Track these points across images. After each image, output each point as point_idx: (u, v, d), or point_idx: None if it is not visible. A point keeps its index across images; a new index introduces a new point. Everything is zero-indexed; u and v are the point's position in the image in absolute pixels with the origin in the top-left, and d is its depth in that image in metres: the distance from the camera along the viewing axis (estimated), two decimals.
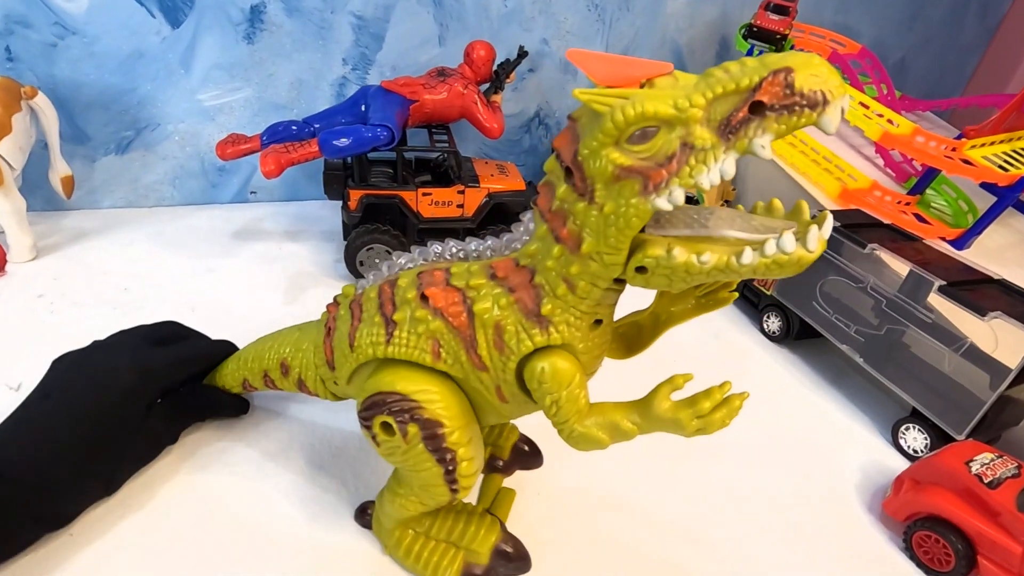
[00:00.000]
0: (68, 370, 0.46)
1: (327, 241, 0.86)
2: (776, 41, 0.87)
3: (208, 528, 0.45)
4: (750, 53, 0.89)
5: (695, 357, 0.68)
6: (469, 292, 0.36)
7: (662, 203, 0.28)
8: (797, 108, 0.25)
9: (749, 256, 0.28)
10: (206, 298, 0.72)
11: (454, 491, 0.39)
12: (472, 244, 0.39)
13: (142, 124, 0.83)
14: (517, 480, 0.51)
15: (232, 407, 0.54)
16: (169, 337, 0.52)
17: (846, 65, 0.93)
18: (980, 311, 0.52)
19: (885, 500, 0.52)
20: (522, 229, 0.36)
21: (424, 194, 0.77)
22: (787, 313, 0.73)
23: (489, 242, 0.38)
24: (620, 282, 0.33)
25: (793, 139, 0.90)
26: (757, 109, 0.25)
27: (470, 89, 0.78)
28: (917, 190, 0.82)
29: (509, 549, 0.43)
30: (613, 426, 0.34)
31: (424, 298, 0.36)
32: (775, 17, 0.87)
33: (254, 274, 0.77)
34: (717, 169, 0.27)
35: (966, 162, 0.74)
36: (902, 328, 0.59)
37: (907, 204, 0.82)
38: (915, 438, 0.58)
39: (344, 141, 0.68)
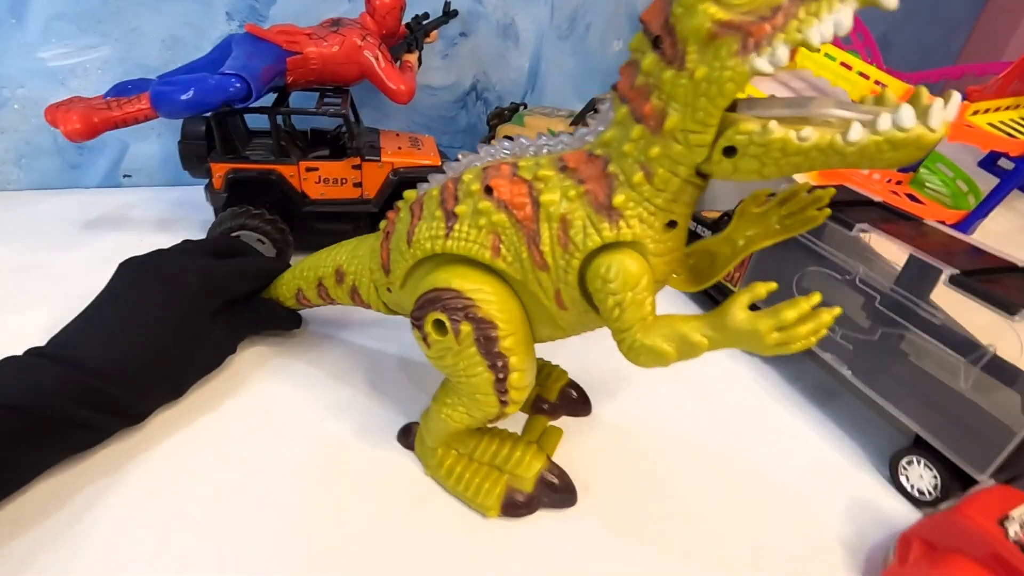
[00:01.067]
0: (137, 273, 0.47)
1: (203, 232, 0.71)
2: None
3: (265, 434, 0.46)
4: None
5: (643, 371, 0.54)
6: (536, 184, 0.33)
7: (762, 64, 0.25)
8: None
9: (858, 132, 0.25)
10: (22, 301, 0.56)
11: (503, 402, 0.37)
12: (543, 139, 0.36)
13: None
14: (563, 424, 0.49)
15: (286, 320, 0.55)
16: (228, 251, 0.53)
17: None
18: (1009, 308, 0.38)
19: (886, 569, 0.38)
20: (596, 120, 0.33)
21: (308, 169, 0.62)
22: None
23: (563, 137, 0.35)
24: (702, 177, 0.31)
25: None
26: None
27: (369, 42, 0.64)
28: (907, 168, 0.69)
29: (555, 479, 0.42)
30: (681, 337, 0.31)
31: (488, 190, 0.35)
32: None
33: (94, 273, 0.61)
34: (831, 21, 0.24)
35: (969, 128, 0.61)
36: (901, 332, 0.45)
37: (898, 183, 0.69)
38: (920, 476, 0.44)
39: (185, 95, 0.52)
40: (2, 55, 0.67)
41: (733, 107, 0.29)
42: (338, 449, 0.45)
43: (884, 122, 0.25)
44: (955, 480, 0.42)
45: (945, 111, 0.25)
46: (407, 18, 0.72)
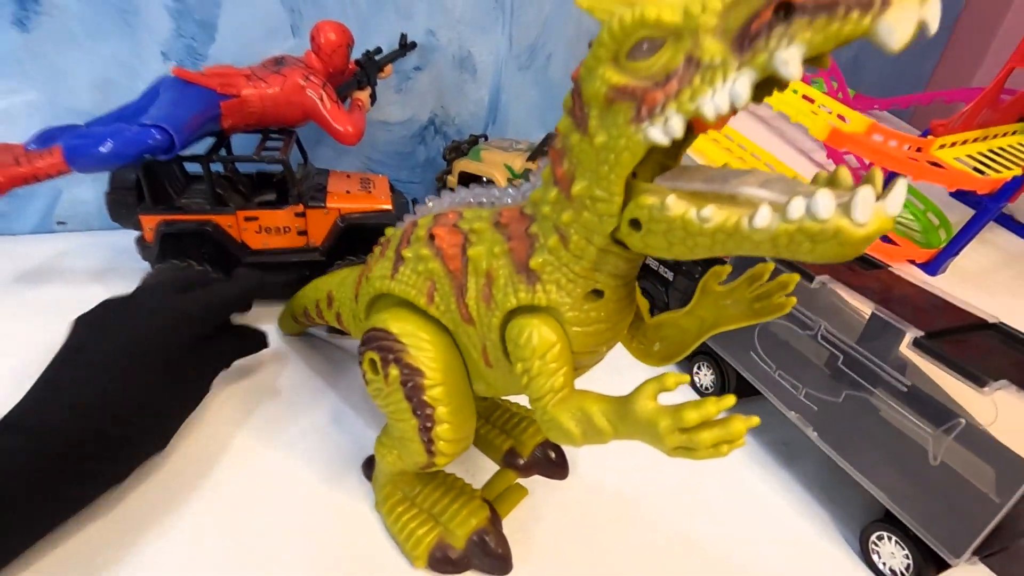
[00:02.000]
0: (98, 325, 0.44)
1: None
2: None
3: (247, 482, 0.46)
4: None
5: None
6: (470, 236, 0.33)
7: (656, 134, 0.23)
8: (840, 8, 0.19)
9: (766, 217, 0.22)
10: None
11: (430, 453, 0.36)
12: (495, 189, 0.35)
13: None
14: (536, 484, 0.47)
15: (254, 344, 0.53)
16: (191, 283, 0.49)
17: None
18: (978, 380, 0.35)
19: None
20: (535, 176, 0.32)
21: (247, 219, 0.58)
22: (721, 364, 0.56)
23: (510, 189, 0.34)
24: (623, 246, 0.28)
25: (725, 140, 0.74)
26: (784, 12, 0.20)
27: (312, 82, 0.60)
28: None
29: (490, 542, 0.39)
30: (587, 419, 0.29)
31: (432, 237, 0.35)
32: None
33: (26, 331, 0.57)
34: (726, 91, 0.22)
35: (935, 165, 0.59)
36: (867, 396, 0.42)
37: None
38: (892, 554, 0.41)
39: (102, 148, 0.49)
40: None
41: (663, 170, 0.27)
42: (302, 481, 0.46)
43: (796, 208, 0.21)
44: (928, 562, 0.39)
45: (886, 202, 0.20)
46: (357, 54, 0.69)
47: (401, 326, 0.35)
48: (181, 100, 0.53)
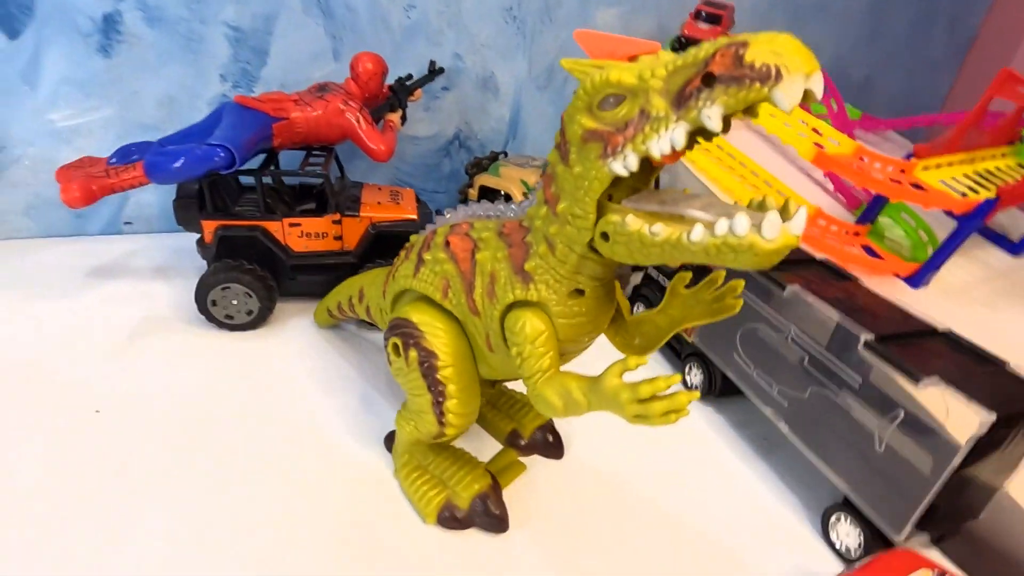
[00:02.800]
0: None
1: (196, 278, 0.75)
2: None
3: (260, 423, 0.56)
4: None
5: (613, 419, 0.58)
6: (479, 243, 0.40)
7: (617, 167, 0.30)
8: (747, 80, 0.25)
9: (699, 233, 0.28)
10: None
11: (442, 424, 0.43)
12: (502, 205, 0.42)
13: None
14: (535, 462, 0.54)
15: None
16: None
17: None
18: (913, 376, 0.40)
19: None
20: (532, 196, 0.38)
21: (292, 225, 0.67)
22: (709, 365, 0.61)
23: (513, 205, 0.41)
24: (599, 253, 0.33)
25: (728, 159, 0.80)
26: (709, 81, 0.26)
27: (350, 106, 0.68)
28: (866, 218, 0.72)
29: (490, 504, 0.46)
30: (567, 393, 0.35)
31: (447, 243, 0.41)
32: (705, 26, 0.78)
33: (86, 319, 0.66)
34: (667, 137, 0.28)
35: (917, 187, 0.64)
36: (828, 392, 0.48)
37: (855, 235, 0.71)
38: (847, 533, 0.46)
39: (177, 164, 0.57)
40: (16, 118, 0.73)
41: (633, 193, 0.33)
42: (329, 447, 0.53)
43: (721, 227, 0.27)
44: (876, 540, 0.44)
45: (790, 223, 0.27)
46: (391, 78, 0.77)
47: (420, 316, 0.42)
48: (240, 123, 0.61)
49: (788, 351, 0.51)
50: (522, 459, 0.53)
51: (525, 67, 0.92)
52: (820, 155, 0.63)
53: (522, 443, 0.54)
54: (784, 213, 0.29)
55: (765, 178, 0.77)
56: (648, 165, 0.32)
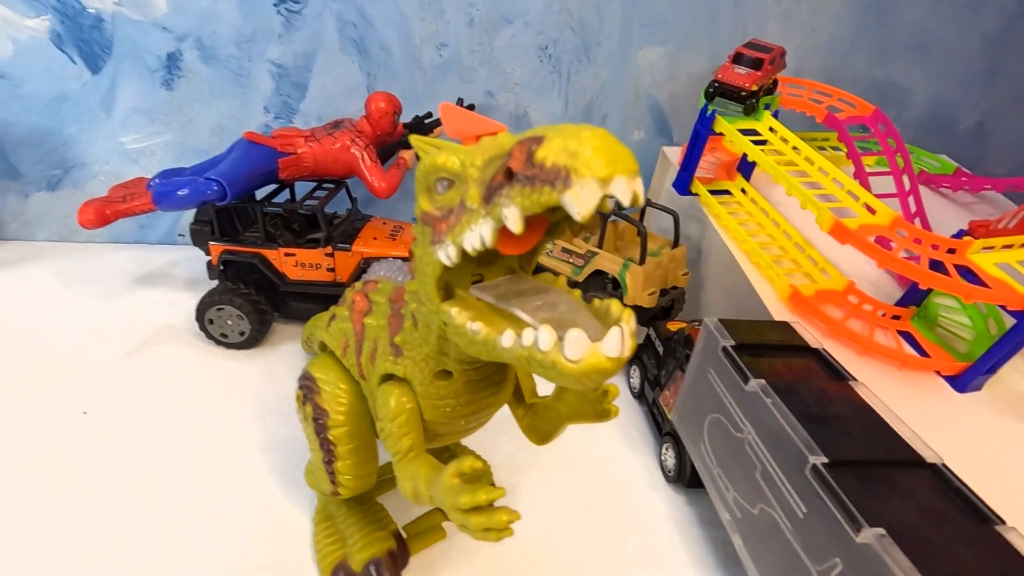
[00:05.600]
0: None
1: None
2: (742, 99, 0.71)
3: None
4: (704, 115, 0.73)
5: (573, 481, 0.57)
6: (373, 306, 0.39)
7: (442, 255, 0.28)
8: (537, 182, 0.22)
9: (509, 340, 0.26)
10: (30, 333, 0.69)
11: (333, 483, 0.42)
12: (408, 266, 0.43)
13: (69, 163, 0.85)
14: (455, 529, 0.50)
15: None
16: None
17: (842, 130, 0.73)
18: (853, 519, 0.33)
19: None
20: None
21: (287, 254, 0.70)
22: (682, 449, 0.55)
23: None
24: None
25: (759, 213, 0.72)
26: (510, 176, 0.24)
27: (357, 143, 0.71)
28: (910, 300, 0.61)
29: (383, 571, 0.43)
30: (415, 480, 0.33)
31: (353, 301, 0.41)
32: (743, 71, 0.71)
33: (108, 319, 0.74)
34: (477, 232, 0.25)
35: (965, 272, 0.53)
36: (775, 515, 0.40)
37: (895, 318, 0.61)
38: None
39: (181, 192, 0.63)
40: (94, 140, 0.84)
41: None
42: (264, 482, 0.54)
43: (527, 337, 0.24)
44: None
45: (602, 344, 0.23)
46: (409, 115, 0.79)
47: (322, 372, 0.42)
48: (243, 158, 0.66)
49: (744, 455, 0.44)
50: (445, 525, 0.51)
51: (561, 106, 0.90)
52: (838, 226, 0.54)
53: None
54: (608, 324, 0.25)
55: (797, 241, 0.68)
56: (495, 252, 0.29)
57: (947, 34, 0.94)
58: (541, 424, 0.39)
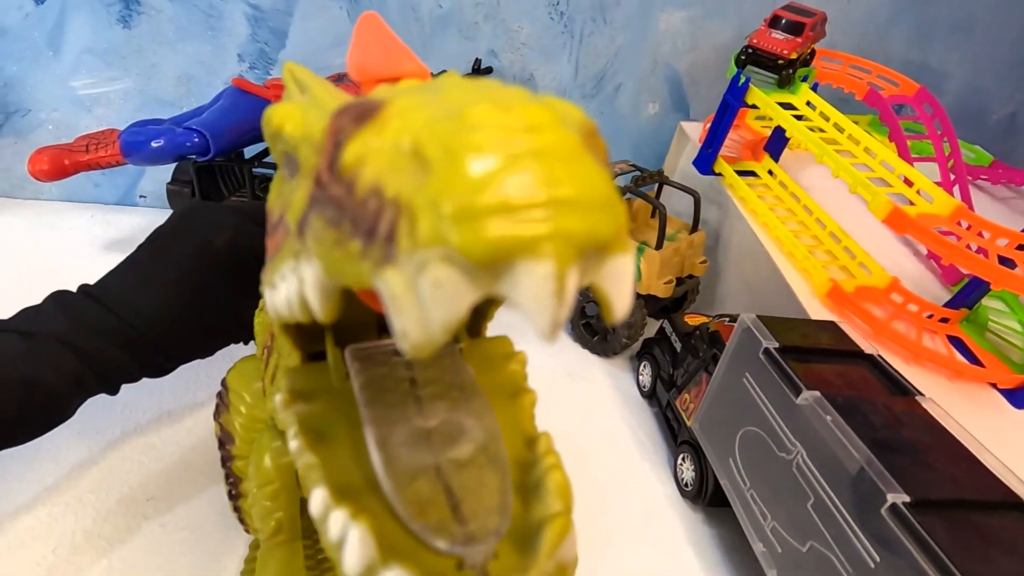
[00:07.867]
0: (179, 220, 0.45)
1: None
2: (779, 68, 0.63)
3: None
4: (736, 85, 0.65)
5: (578, 489, 0.46)
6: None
7: (268, 299, 0.22)
8: (344, 221, 0.13)
9: (317, 502, 0.17)
10: None
11: (241, 521, 0.34)
12: None
13: (11, 108, 0.75)
14: None
15: None
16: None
17: (886, 110, 0.66)
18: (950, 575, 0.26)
19: None
20: None
21: None
22: (703, 461, 0.48)
23: None
24: None
25: (790, 199, 0.65)
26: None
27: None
28: (962, 301, 0.54)
29: None
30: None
31: None
32: (781, 36, 0.63)
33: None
34: (292, 283, 0.17)
35: None
36: (832, 557, 0.34)
37: (942, 321, 0.54)
38: None
39: (156, 143, 0.53)
40: (41, 83, 0.73)
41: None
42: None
43: (328, 510, 0.17)
44: None
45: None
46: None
47: (238, 383, 0.32)
48: (231, 108, 0.56)
49: (791, 480, 0.37)
50: None
51: (571, 71, 0.82)
52: (896, 214, 0.47)
53: None
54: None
55: (833, 230, 0.61)
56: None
57: (991, 17, 0.87)
58: None
